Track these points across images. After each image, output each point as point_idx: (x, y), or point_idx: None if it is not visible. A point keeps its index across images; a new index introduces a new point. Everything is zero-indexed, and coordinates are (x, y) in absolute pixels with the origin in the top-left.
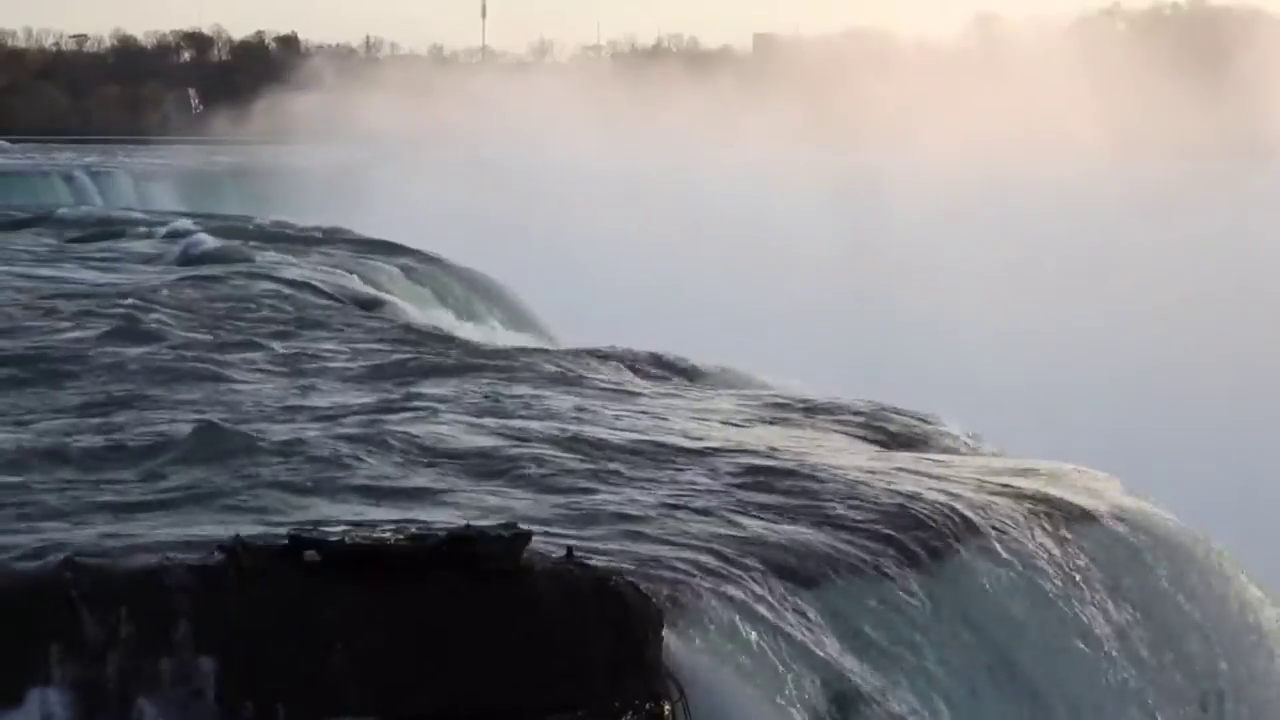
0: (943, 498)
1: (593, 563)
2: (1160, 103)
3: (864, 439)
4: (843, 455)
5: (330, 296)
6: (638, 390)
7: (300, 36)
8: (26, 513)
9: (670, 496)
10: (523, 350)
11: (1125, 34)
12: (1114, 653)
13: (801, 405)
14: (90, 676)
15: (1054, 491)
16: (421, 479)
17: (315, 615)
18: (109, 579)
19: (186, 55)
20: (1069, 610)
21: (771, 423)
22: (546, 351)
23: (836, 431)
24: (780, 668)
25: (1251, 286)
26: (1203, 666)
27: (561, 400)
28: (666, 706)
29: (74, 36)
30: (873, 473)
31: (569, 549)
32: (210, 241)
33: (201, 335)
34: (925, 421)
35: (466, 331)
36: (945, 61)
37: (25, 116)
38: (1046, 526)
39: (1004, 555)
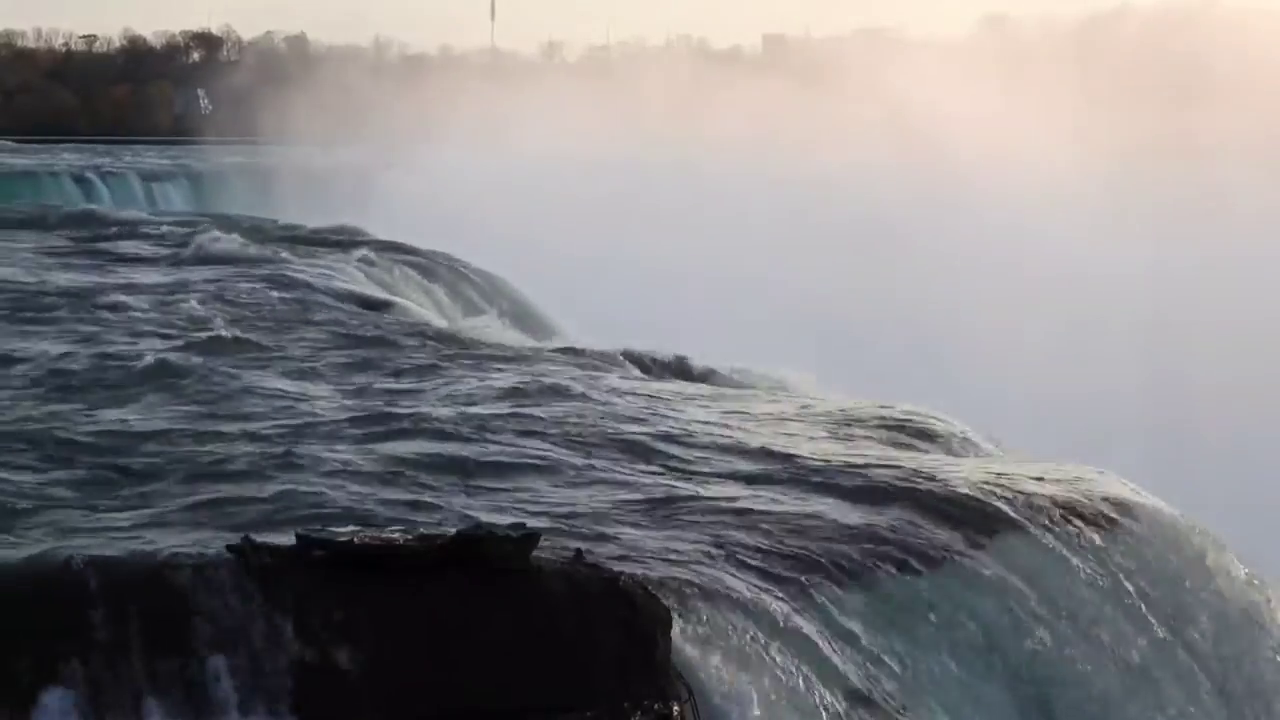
0: (957, 498)
1: (602, 563)
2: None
3: (878, 440)
4: (856, 456)
5: (340, 297)
6: (650, 391)
7: (309, 37)
8: (37, 513)
9: (681, 497)
10: (533, 350)
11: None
12: (1130, 656)
13: (815, 406)
14: (101, 676)
15: (1067, 492)
16: (430, 479)
17: (324, 615)
18: (120, 579)
19: (196, 55)
20: (1083, 610)
21: (785, 423)
22: (558, 351)
23: (850, 432)
24: (790, 668)
25: (1262, 292)
26: (1209, 659)
27: (573, 401)
28: (675, 707)
29: (83, 37)
30: (886, 474)
31: (578, 550)
32: (221, 242)
33: (211, 335)
34: (941, 423)
35: (477, 332)
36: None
37: (35, 117)
38: (1061, 527)
39: (1018, 556)
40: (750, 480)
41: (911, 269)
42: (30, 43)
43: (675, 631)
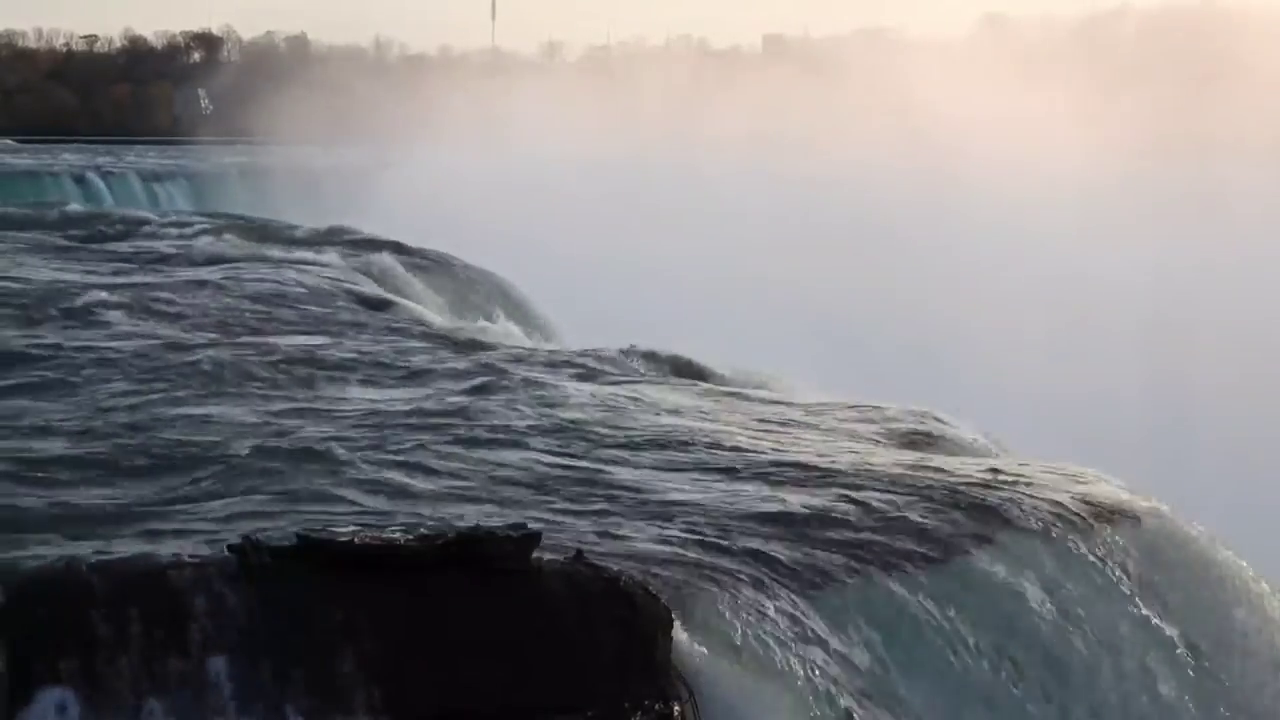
0: (955, 498)
1: (602, 564)
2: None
3: (877, 440)
4: (855, 456)
5: (340, 297)
6: (649, 391)
7: (310, 37)
8: (38, 513)
9: (681, 498)
10: (532, 350)
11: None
12: (1133, 658)
13: (814, 406)
14: (101, 676)
15: (1068, 492)
16: (431, 479)
17: (325, 615)
18: (120, 579)
19: (196, 56)
20: (1084, 610)
21: (785, 424)
22: (557, 351)
23: (852, 432)
24: (790, 669)
25: (1261, 293)
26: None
27: (572, 401)
28: (676, 707)
29: (84, 37)
30: (885, 474)
31: (579, 550)
32: (222, 242)
33: (211, 336)
34: (939, 423)
35: (477, 331)
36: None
37: (35, 116)
38: (1063, 526)
39: (1018, 556)
40: (752, 480)
41: (911, 269)
42: (30, 43)
43: (676, 631)
